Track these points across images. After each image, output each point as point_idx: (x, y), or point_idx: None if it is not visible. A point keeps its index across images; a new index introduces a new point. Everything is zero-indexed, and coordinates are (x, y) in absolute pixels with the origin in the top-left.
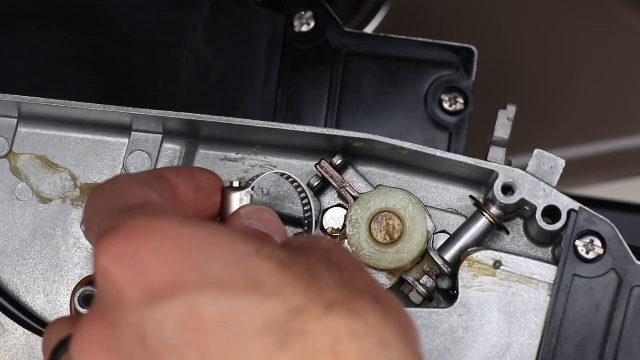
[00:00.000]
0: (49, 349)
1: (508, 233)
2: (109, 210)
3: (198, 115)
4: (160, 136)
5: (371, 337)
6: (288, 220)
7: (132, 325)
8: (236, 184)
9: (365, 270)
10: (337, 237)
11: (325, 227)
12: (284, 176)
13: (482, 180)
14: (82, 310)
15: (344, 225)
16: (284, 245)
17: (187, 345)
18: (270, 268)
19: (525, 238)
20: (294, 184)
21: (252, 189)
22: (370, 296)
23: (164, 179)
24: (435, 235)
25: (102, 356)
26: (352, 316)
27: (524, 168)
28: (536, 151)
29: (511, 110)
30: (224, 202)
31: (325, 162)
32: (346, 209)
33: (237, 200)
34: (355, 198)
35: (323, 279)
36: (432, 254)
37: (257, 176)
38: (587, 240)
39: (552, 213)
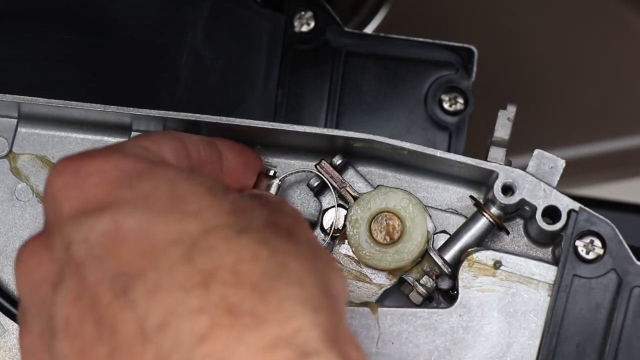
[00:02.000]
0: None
1: (508, 233)
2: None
3: (198, 115)
4: None
5: (272, 261)
6: None
7: (63, 235)
8: (271, 173)
9: (299, 218)
10: (337, 237)
11: (325, 227)
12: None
13: (482, 181)
14: None
15: (344, 225)
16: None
17: (106, 253)
18: (197, 191)
19: (525, 238)
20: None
21: (280, 180)
22: (287, 234)
23: (214, 147)
24: (435, 236)
25: (37, 266)
26: (260, 243)
27: (524, 168)
28: (536, 151)
29: (511, 110)
30: (254, 185)
31: (325, 162)
32: (346, 209)
33: (264, 186)
34: (355, 198)
35: (248, 212)
36: (432, 254)
37: (292, 173)
38: (587, 240)
39: (552, 213)
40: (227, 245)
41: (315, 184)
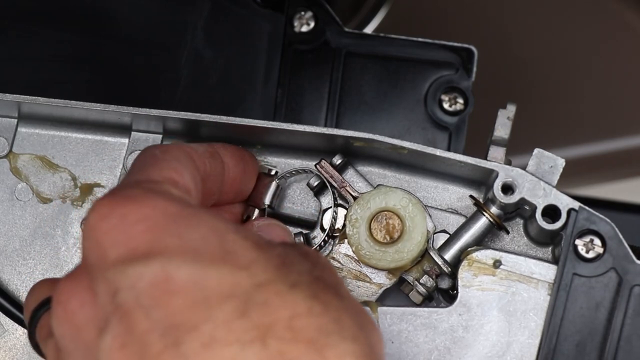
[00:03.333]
0: (29, 309)
1: (508, 233)
2: (135, 172)
3: (198, 114)
4: (160, 136)
5: (328, 317)
6: (287, 220)
7: (108, 281)
8: (272, 172)
9: (337, 274)
10: (337, 236)
11: (325, 227)
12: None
13: (482, 180)
14: None
15: (344, 225)
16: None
17: (155, 304)
18: (245, 245)
19: (525, 238)
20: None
21: (279, 179)
22: (334, 290)
23: (218, 158)
24: (435, 235)
25: (79, 308)
26: (313, 298)
27: (523, 167)
28: (536, 150)
29: (511, 109)
30: (256, 184)
31: (325, 162)
32: (346, 208)
33: (263, 186)
34: (355, 198)
35: (294, 266)
36: (432, 253)
37: (292, 173)
38: (587, 239)
39: (551, 212)
40: (281, 300)
41: (315, 183)
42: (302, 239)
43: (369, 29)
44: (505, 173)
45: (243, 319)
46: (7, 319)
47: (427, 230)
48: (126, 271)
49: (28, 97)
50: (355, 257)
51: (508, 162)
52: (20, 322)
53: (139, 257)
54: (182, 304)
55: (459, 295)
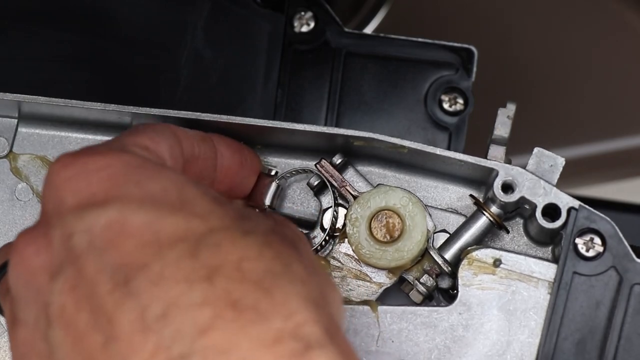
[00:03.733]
0: None
1: (508, 232)
2: (112, 140)
3: (198, 114)
4: None
5: (277, 261)
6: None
7: (64, 226)
8: (273, 172)
9: (299, 233)
10: (337, 236)
11: (325, 227)
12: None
13: (481, 179)
14: None
15: (344, 224)
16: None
17: (107, 246)
18: (204, 197)
19: (525, 237)
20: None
21: (279, 179)
22: (290, 242)
23: (210, 143)
24: (435, 235)
25: (34, 255)
26: (265, 244)
27: (523, 167)
28: (536, 149)
29: (511, 108)
30: (256, 184)
31: (325, 162)
32: (346, 208)
33: (264, 185)
34: (355, 197)
35: (251, 218)
36: (432, 252)
37: (292, 173)
38: (587, 237)
39: (551, 211)
40: (232, 244)
41: (315, 183)
42: None
43: (369, 29)
44: (505, 172)
45: (192, 259)
46: None
47: (427, 229)
48: (82, 216)
49: (28, 96)
50: (356, 257)
51: (508, 161)
52: None
53: (96, 203)
54: (133, 245)
55: (459, 294)
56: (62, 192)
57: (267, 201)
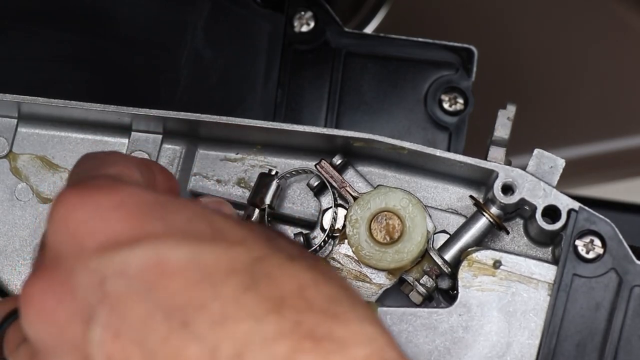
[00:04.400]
0: None
1: (508, 233)
2: (87, 171)
3: (198, 115)
4: (160, 136)
5: (333, 286)
6: (287, 220)
7: (90, 271)
8: (273, 172)
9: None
10: (337, 236)
11: (325, 227)
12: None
13: (482, 180)
14: None
15: (344, 225)
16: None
17: (151, 287)
18: (230, 223)
19: (525, 238)
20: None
21: (279, 179)
22: (319, 261)
23: (150, 170)
24: (435, 235)
25: (57, 305)
26: (312, 269)
27: (523, 168)
28: (536, 151)
29: (511, 109)
30: (256, 184)
31: (325, 162)
32: (346, 208)
33: (264, 185)
34: (355, 198)
35: (278, 241)
36: (432, 253)
37: (292, 173)
38: (587, 239)
39: (552, 213)
40: (284, 272)
41: (315, 183)
42: (302, 239)
43: (369, 29)
44: (505, 173)
45: (252, 293)
46: None
47: (427, 230)
48: (111, 258)
49: (28, 97)
50: (355, 258)
51: (508, 163)
52: None
53: (123, 244)
54: (182, 284)
55: (459, 295)
56: (80, 235)
57: (267, 200)
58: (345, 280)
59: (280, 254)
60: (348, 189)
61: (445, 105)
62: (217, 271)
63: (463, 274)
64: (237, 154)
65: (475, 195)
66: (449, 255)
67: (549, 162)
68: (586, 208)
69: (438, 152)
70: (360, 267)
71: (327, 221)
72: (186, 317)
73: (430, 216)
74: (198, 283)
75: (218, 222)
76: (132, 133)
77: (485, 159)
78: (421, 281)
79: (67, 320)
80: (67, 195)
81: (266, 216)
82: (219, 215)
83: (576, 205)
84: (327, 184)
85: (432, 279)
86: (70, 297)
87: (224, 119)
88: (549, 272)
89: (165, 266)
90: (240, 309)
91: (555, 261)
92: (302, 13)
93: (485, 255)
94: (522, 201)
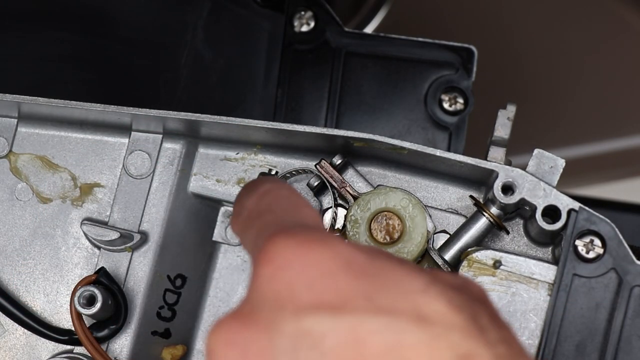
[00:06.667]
0: None
1: (508, 233)
2: (284, 214)
3: (198, 115)
4: (160, 136)
5: None
6: None
7: (288, 333)
8: (273, 172)
9: (510, 328)
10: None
11: (325, 227)
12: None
13: (482, 180)
14: (82, 310)
15: (344, 225)
16: (447, 282)
17: None
18: (439, 308)
19: (525, 238)
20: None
21: (279, 179)
22: (526, 357)
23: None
24: (435, 235)
25: (238, 357)
26: None
27: (523, 168)
28: (536, 151)
29: (511, 110)
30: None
31: (325, 162)
32: (346, 208)
33: None
34: (355, 198)
35: (488, 331)
36: (432, 253)
37: (292, 173)
38: (587, 239)
39: (552, 213)
40: None
41: (315, 183)
42: None
43: (369, 29)
44: (505, 173)
45: None
46: (7, 319)
47: (427, 230)
48: (311, 324)
49: (28, 97)
50: None
51: (508, 163)
52: (20, 322)
53: (325, 310)
54: None
55: None
56: (285, 290)
57: None
58: None
59: (485, 353)
60: (348, 189)
61: (446, 105)
62: None
63: (463, 274)
64: (237, 154)
65: (475, 195)
66: (449, 255)
67: (549, 162)
68: (586, 208)
69: (438, 152)
70: None
71: (327, 221)
72: None
73: (430, 216)
74: None
75: (425, 305)
76: (132, 133)
77: (485, 159)
78: None
79: None
80: (288, 243)
81: None
82: (430, 294)
83: (576, 205)
84: (327, 184)
85: None
86: (262, 351)
87: (224, 119)
88: (549, 272)
89: (362, 347)
90: None
91: (555, 261)
92: (302, 13)
93: (485, 255)
94: (522, 201)
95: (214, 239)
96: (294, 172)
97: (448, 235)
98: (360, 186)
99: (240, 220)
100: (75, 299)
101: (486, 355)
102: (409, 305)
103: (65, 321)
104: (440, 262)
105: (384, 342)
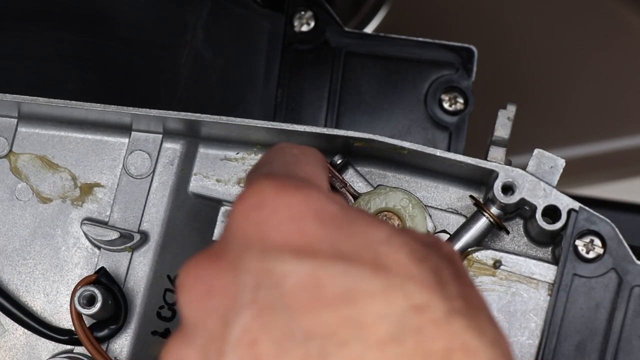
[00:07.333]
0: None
1: (508, 233)
2: (281, 166)
3: (198, 115)
4: (160, 136)
5: (483, 355)
6: None
7: (252, 271)
8: None
9: (477, 287)
10: None
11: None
12: None
13: (482, 180)
14: (82, 310)
15: None
16: (413, 236)
17: (301, 309)
18: (400, 258)
19: (525, 238)
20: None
21: None
22: (485, 315)
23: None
24: (435, 235)
25: (204, 292)
26: (469, 329)
27: (524, 168)
28: (536, 151)
29: (511, 109)
30: None
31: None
32: None
33: None
34: (355, 198)
35: (448, 285)
36: None
37: None
38: (587, 239)
39: (552, 213)
40: (437, 329)
41: None
42: None
43: (369, 29)
44: (505, 173)
45: (397, 344)
46: (7, 319)
47: (427, 230)
48: (273, 264)
49: (28, 97)
50: None
51: (508, 163)
52: (20, 322)
53: (288, 252)
54: (332, 316)
55: None
56: (265, 229)
57: None
58: (499, 335)
59: (441, 305)
60: (348, 188)
61: (446, 105)
62: (369, 312)
63: None
64: (237, 153)
65: (475, 194)
66: None
67: (549, 162)
68: (586, 208)
69: (438, 152)
70: None
71: None
72: (327, 349)
73: (430, 216)
74: (346, 319)
75: (385, 254)
76: (132, 133)
77: (485, 159)
78: None
79: (214, 308)
80: (265, 185)
81: None
82: (393, 245)
83: (576, 205)
84: (330, 182)
85: None
86: (226, 286)
87: (224, 119)
88: (549, 272)
89: (321, 291)
90: (381, 358)
91: (555, 261)
92: (302, 13)
93: (485, 255)
94: (522, 201)
95: (214, 239)
96: None
97: (448, 235)
98: (360, 186)
99: (249, 172)
100: (75, 299)
101: (441, 308)
102: (369, 253)
103: (65, 321)
104: None
105: (341, 287)
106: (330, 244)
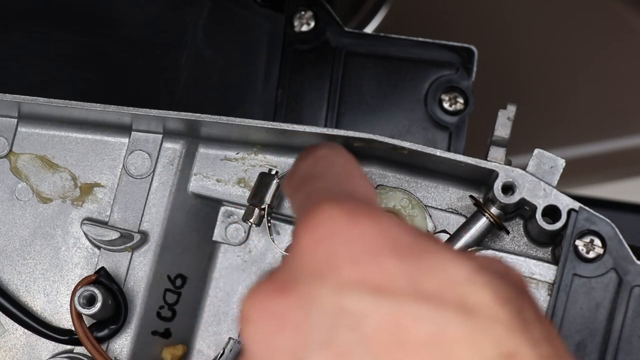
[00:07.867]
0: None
1: (508, 233)
2: (335, 182)
3: (198, 115)
4: (160, 136)
5: None
6: (287, 220)
7: (327, 308)
8: (273, 172)
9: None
10: None
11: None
12: None
13: (482, 180)
14: (82, 310)
15: None
16: (492, 269)
17: (384, 354)
18: (485, 299)
19: (525, 238)
20: None
21: (280, 179)
22: (567, 356)
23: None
24: (435, 235)
25: (274, 328)
26: None
27: (524, 168)
28: (536, 151)
29: (511, 109)
30: (256, 184)
31: None
32: None
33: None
34: None
35: (533, 327)
36: None
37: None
38: (587, 239)
39: (552, 213)
40: None
41: None
42: None
43: (369, 29)
44: (505, 173)
45: None
46: (7, 319)
47: (427, 230)
48: (352, 302)
49: (28, 97)
50: None
51: (508, 163)
52: (20, 322)
53: (368, 289)
54: None
55: None
56: (326, 261)
57: (267, 200)
58: None
59: (529, 352)
60: None
61: (446, 105)
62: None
63: None
64: (237, 153)
65: (475, 194)
66: None
67: (549, 162)
68: (586, 208)
69: (438, 152)
70: None
71: None
72: None
73: (430, 216)
74: None
75: (470, 294)
76: (132, 133)
77: (485, 159)
78: None
79: (284, 346)
80: (334, 212)
81: (266, 216)
82: (476, 284)
83: (576, 205)
84: None
85: None
86: (297, 323)
87: (224, 119)
88: (549, 272)
89: (404, 335)
90: None
91: (555, 261)
92: (302, 13)
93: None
94: (522, 201)
95: (214, 239)
96: None
97: (448, 235)
98: None
99: (292, 182)
100: (75, 299)
101: (530, 355)
102: (454, 293)
103: (65, 321)
104: None
105: (426, 332)
106: (410, 281)
